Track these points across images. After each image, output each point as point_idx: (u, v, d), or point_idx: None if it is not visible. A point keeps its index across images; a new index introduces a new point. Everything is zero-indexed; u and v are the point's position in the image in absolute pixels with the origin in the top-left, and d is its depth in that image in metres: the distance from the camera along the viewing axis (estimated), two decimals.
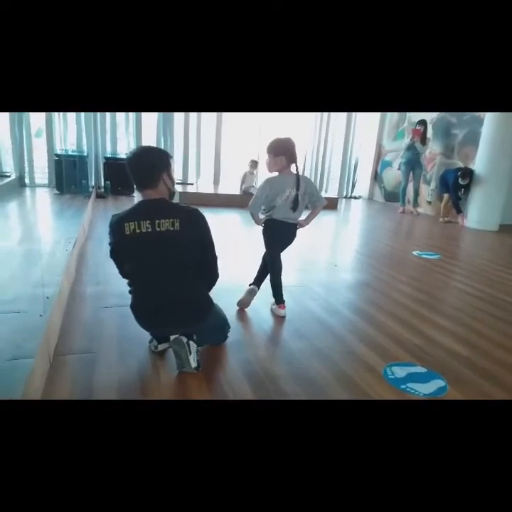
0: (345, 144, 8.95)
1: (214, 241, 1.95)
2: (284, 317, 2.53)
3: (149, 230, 1.75)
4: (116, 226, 1.79)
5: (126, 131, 7.48)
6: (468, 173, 6.35)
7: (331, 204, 7.15)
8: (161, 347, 2.00)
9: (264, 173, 8.01)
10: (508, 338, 2.54)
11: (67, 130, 7.07)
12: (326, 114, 8.61)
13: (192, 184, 7.78)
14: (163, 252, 1.79)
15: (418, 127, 7.09)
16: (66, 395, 1.67)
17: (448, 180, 6.65)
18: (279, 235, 2.52)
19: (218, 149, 8.14)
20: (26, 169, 6.85)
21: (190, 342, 1.83)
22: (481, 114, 6.46)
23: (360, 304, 2.93)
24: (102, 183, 7.01)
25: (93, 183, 7.05)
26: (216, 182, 8.19)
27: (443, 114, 7.31)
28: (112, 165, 6.89)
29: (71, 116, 7.01)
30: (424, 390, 1.87)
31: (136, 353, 2.02)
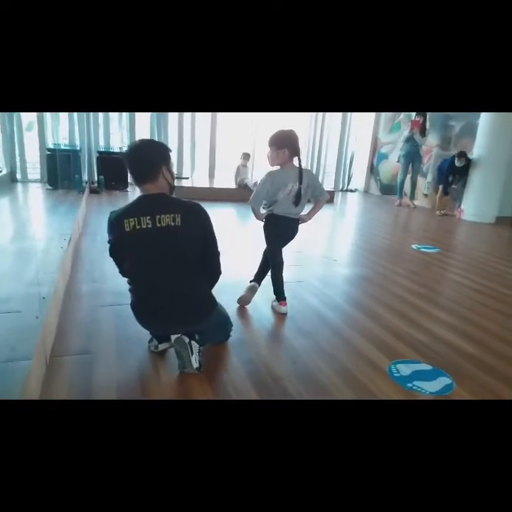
0: (341, 137, 8.89)
1: (216, 236, 1.90)
2: (285, 314, 2.49)
3: (150, 226, 1.70)
4: (116, 223, 1.73)
5: (120, 125, 7.38)
6: (464, 154, 6.34)
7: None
8: (161, 347, 1.95)
9: (257, 166, 8.00)
10: (507, 330, 2.53)
11: (59, 124, 6.95)
12: None
13: (187, 178, 7.69)
14: (164, 248, 1.73)
15: (417, 118, 7.04)
16: (64, 397, 1.61)
17: (444, 168, 6.65)
18: (280, 230, 2.46)
19: (213, 142, 8.05)
20: (18, 164, 6.71)
21: (193, 342, 1.78)
22: None
23: (361, 299, 2.89)
24: (96, 178, 6.90)
25: (86, 178, 6.94)
26: (211, 175, 8.11)
27: None
28: (106, 159, 6.78)
29: None
30: (431, 388, 1.84)
31: (135, 352, 1.96)
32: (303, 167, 2.38)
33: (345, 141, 8.96)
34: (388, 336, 2.34)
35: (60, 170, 6.23)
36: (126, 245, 1.75)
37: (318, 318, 2.50)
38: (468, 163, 6.37)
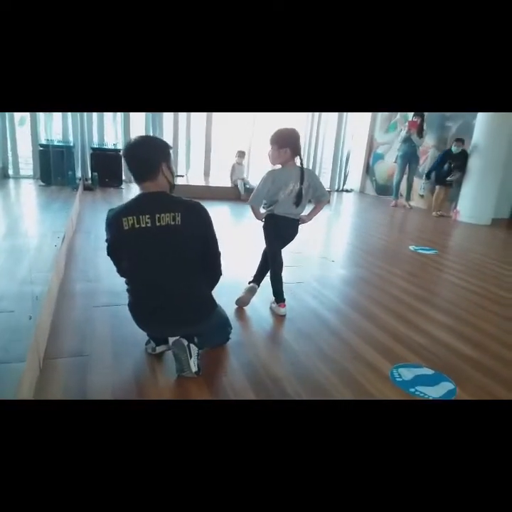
0: (336, 137, 8.87)
1: (217, 236, 1.85)
2: (284, 316, 2.45)
3: (149, 224, 1.65)
4: (114, 221, 1.67)
5: (114, 121, 7.28)
6: (462, 140, 6.33)
7: None
8: (159, 349, 1.90)
9: (252, 164, 7.95)
10: (504, 332, 2.53)
11: (52, 119, 6.84)
12: None
13: (182, 176, 7.62)
14: (163, 247, 1.68)
15: (415, 119, 7.02)
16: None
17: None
18: (280, 230, 2.42)
19: (209, 139, 7.98)
20: (10, 159, 6.60)
21: (191, 345, 1.73)
22: None
23: (359, 300, 2.86)
24: (89, 175, 6.81)
25: (80, 175, 6.85)
26: (207, 174, 8.04)
27: None
28: (99, 156, 6.70)
29: None
30: (434, 393, 1.81)
31: (131, 354, 1.91)
32: (305, 167, 2.34)
33: (341, 140, 8.95)
34: (386, 337, 2.31)
35: (53, 166, 6.13)
36: (124, 244, 1.70)
37: (317, 319, 2.46)
38: (466, 153, 6.34)
